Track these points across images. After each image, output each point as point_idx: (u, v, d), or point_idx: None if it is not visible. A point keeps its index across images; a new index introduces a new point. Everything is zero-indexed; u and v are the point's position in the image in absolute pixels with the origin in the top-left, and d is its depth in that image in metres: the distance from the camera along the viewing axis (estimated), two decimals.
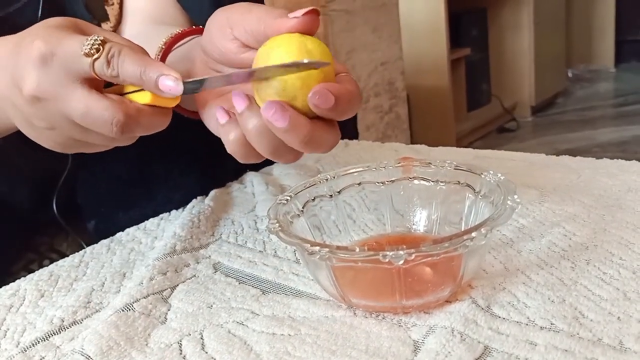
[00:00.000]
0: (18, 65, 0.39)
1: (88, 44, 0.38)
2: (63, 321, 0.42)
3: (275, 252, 0.49)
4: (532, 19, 3.06)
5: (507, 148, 0.69)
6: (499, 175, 0.41)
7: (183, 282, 0.46)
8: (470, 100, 3.03)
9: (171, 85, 0.37)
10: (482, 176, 0.42)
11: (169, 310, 0.42)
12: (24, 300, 0.45)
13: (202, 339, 0.38)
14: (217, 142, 0.72)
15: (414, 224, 0.47)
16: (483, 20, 3.06)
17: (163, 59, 0.49)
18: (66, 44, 0.38)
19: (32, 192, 0.61)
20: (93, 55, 0.38)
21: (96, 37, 0.38)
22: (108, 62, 0.38)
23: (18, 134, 0.54)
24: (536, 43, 3.11)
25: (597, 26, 4.01)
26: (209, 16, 0.43)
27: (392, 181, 0.47)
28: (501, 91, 3.19)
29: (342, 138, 0.81)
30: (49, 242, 0.64)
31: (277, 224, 0.39)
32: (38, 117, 0.40)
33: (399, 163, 0.47)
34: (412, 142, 0.68)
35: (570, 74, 3.96)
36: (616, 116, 3.18)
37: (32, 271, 0.50)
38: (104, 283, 0.47)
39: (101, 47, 0.38)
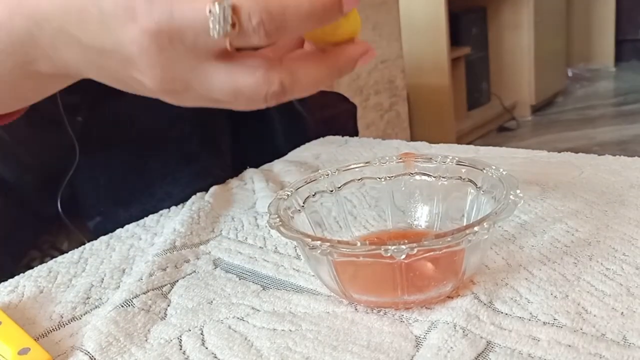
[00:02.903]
0: (108, 51, 0.31)
1: (217, 21, 0.28)
2: (62, 317, 0.42)
3: (276, 248, 0.48)
4: (532, 17, 3.06)
5: (507, 147, 0.68)
6: (501, 170, 0.41)
7: (183, 277, 0.45)
8: (470, 99, 3.03)
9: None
10: (484, 171, 0.42)
11: (168, 306, 0.42)
12: (22, 296, 0.45)
13: (202, 334, 0.38)
14: (215, 138, 0.72)
15: (415, 220, 0.47)
16: (483, 19, 3.07)
17: None
18: (185, 20, 0.28)
19: (39, 188, 0.61)
20: (228, 33, 0.28)
21: (223, 7, 0.28)
22: (256, 32, 0.28)
23: (25, 132, 0.53)
24: (536, 42, 3.11)
25: (597, 25, 4.01)
26: None
27: (393, 177, 0.47)
28: (501, 90, 3.19)
29: (342, 135, 0.81)
30: (52, 240, 0.64)
31: (278, 219, 0.39)
32: (169, 99, 0.33)
33: (400, 159, 0.47)
34: (412, 140, 0.68)
35: (570, 73, 3.96)
36: (616, 115, 3.18)
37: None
38: (103, 279, 0.46)
39: (235, 20, 0.28)
